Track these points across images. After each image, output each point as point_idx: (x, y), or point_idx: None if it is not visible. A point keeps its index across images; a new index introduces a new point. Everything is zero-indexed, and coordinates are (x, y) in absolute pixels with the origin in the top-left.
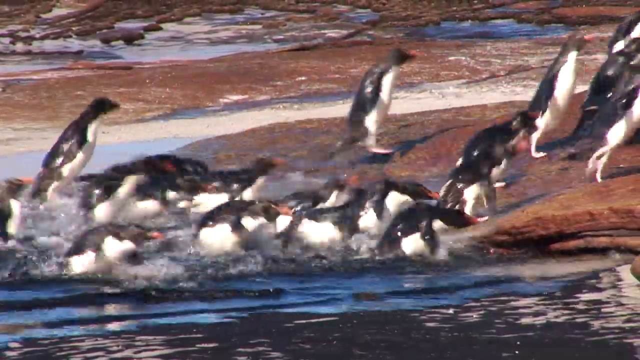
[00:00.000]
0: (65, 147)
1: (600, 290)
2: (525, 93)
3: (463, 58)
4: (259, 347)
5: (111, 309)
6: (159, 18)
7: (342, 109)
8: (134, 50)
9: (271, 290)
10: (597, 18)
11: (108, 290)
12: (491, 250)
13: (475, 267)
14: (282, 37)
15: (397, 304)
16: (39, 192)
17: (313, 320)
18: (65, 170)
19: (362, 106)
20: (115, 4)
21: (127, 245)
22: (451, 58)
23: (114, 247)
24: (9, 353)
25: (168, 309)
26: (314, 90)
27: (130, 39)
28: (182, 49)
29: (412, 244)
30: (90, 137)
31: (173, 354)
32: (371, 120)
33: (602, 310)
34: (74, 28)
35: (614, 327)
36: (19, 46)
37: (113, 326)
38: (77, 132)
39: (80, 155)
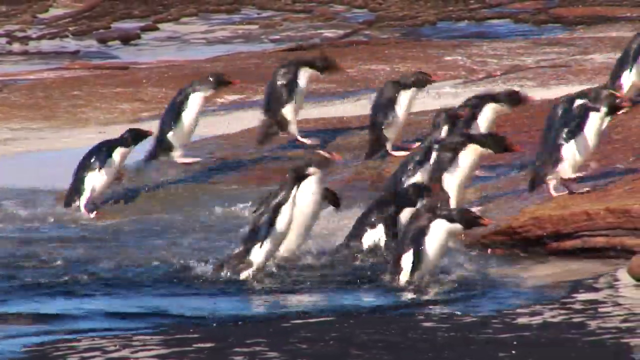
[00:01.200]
0: (278, 91)
1: (596, 290)
2: None
3: (459, 58)
4: (256, 347)
5: None
6: (155, 18)
7: (339, 109)
8: (130, 50)
9: None
10: (594, 18)
11: None
12: (488, 251)
13: (472, 267)
14: (278, 37)
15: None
16: (266, 137)
17: (310, 320)
18: (287, 112)
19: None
20: (112, 4)
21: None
22: (448, 58)
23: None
24: None
25: None
26: (310, 90)
27: (126, 39)
28: (178, 49)
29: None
30: (301, 81)
31: (169, 354)
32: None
33: (599, 310)
34: (70, 28)
35: (611, 327)
36: (16, 46)
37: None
38: (290, 77)
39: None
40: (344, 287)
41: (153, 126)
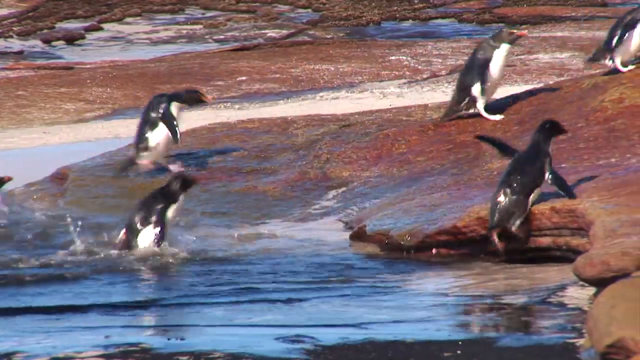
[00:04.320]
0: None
1: (542, 289)
2: None
3: (404, 58)
4: (201, 347)
5: None
6: (99, 18)
7: (283, 108)
8: (75, 50)
9: None
10: (538, 18)
11: None
12: (432, 251)
13: (415, 266)
14: (222, 37)
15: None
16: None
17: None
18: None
19: None
20: (55, 4)
21: None
22: (392, 58)
23: None
24: None
25: None
26: (254, 90)
27: (71, 39)
28: (122, 49)
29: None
30: None
31: (115, 354)
32: None
33: (545, 309)
34: (15, 28)
35: (557, 326)
36: None
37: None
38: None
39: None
40: None
41: (96, 126)
